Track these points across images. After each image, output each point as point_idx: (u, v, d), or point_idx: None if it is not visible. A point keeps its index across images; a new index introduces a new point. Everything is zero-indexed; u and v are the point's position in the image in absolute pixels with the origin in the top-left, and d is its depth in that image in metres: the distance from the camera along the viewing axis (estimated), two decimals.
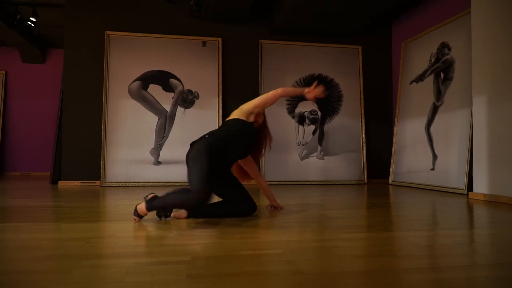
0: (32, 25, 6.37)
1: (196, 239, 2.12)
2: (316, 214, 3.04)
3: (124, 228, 2.39)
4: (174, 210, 2.70)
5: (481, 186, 4.19)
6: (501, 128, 3.96)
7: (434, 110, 5.52)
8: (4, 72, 8.49)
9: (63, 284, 1.34)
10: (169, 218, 2.69)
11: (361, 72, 6.52)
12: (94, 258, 1.70)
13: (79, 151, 5.69)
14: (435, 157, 5.39)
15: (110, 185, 5.56)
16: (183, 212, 2.72)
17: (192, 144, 2.73)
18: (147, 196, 2.61)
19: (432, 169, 5.40)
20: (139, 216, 2.59)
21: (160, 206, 2.57)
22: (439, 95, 5.46)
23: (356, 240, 2.10)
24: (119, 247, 1.90)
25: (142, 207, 2.57)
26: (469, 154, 4.70)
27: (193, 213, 2.73)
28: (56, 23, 6.91)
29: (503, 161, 3.93)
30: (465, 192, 4.62)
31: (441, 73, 5.44)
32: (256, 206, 2.85)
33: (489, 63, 4.13)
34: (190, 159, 2.61)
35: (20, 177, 7.86)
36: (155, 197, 2.58)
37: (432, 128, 5.53)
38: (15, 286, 1.33)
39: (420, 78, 5.90)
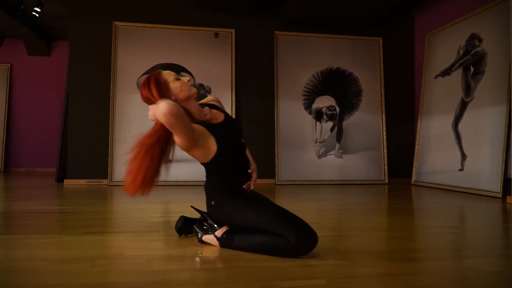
0: (37, 15, 6.07)
1: (222, 262, 1.81)
2: (336, 227, 2.72)
3: (134, 243, 2.09)
4: (205, 234, 2.10)
5: None
6: None
7: (463, 106, 5.16)
8: (9, 65, 8.21)
9: None
10: (189, 235, 2.25)
11: (381, 66, 6.16)
12: None
13: (85, 148, 5.41)
14: (464, 156, 5.03)
15: (118, 184, 5.27)
16: (215, 243, 2.04)
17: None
18: (211, 228, 2.07)
19: (461, 170, 5.05)
20: (201, 242, 2.10)
21: (241, 248, 1.95)
22: (468, 90, 5.10)
23: (406, 273, 1.78)
24: (129, 273, 1.60)
25: (210, 241, 2.05)
26: (504, 154, 4.35)
27: (224, 243, 2.01)
28: (62, 14, 6.60)
29: None
30: (500, 195, 4.28)
31: (471, 66, 5.07)
32: (315, 234, 1.85)
33: None
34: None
35: (25, 173, 7.60)
36: (228, 233, 1.99)
37: (460, 126, 5.17)
38: None
39: (446, 72, 5.54)
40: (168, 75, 2.02)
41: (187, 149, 1.98)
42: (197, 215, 2.28)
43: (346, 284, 1.48)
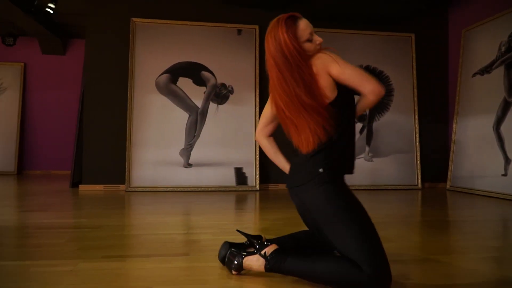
0: (51, 12, 5.81)
1: None
2: None
3: (161, 273, 1.78)
4: (247, 256, 1.76)
5: None
6: None
7: (505, 106, 4.77)
8: (23, 64, 7.99)
9: None
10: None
11: (414, 64, 5.78)
12: None
13: (101, 152, 5.13)
14: (507, 160, 4.65)
15: (136, 189, 4.99)
16: (260, 263, 1.71)
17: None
18: (259, 245, 1.73)
19: (504, 175, 4.66)
20: (239, 269, 1.76)
21: (295, 272, 1.63)
22: (511, 89, 4.71)
23: None
24: None
25: (254, 263, 1.72)
26: None
27: (274, 264, 1.67)
28: (78, 11, 6.34)
29: None
30: None
31: None
32: (390, 275, 1.52)
33: None
34: (324, 212, 1.63)
35: (39, 176, 7.38)
36: (278, 253, 1.67)
37: (502, 127, 4.78)
38: None
39: (486, 70, 5.15)
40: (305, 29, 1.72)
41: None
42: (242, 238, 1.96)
43: None
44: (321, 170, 1.62)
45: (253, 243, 1.77)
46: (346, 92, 1.69)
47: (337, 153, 1.66)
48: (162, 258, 2.01)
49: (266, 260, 1.67)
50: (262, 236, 1.91)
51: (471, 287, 1.64)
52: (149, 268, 1.85)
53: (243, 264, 1.73)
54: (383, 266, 1.49)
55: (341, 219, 1.58)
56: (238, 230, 1.98)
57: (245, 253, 1.74)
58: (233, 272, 1.75)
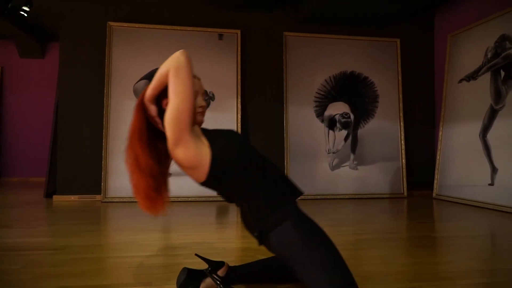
0: (25, 15, 5.58)
1: None
2: (360, 271, 2.24)
3: None
4: (202, 280, 1.76)
5: None
6: None
7: (492, 114, 4.67)
8: (0, 67, 7.74)
9: None
10: None
11: (399, 69, 5.67)
12: None
13: (76, 160, 4.93)
14: (494, 169, 4.55)
15: (113, 200, 4.80)
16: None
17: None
18: (210, 269, 1.72)
19: (491, 184, 4.56)
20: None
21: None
22: (498, 96, 4.61)
23: None
24: None
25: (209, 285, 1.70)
26: None
27: (225, 281, 1.71)
28: (56, 14, 6.13)
29: None
30: None
31: (501, 70, 4.59)
32: None
33: None
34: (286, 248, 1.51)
35: (16, 183, 7.14)
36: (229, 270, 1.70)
37: (489, 136, 4.69)
38: None
39: (472, 76, 5.05)
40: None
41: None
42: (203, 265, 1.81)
43: None
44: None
45: (215, 271, 1.64)
46: None
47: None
48: (165, 274, 1.85)
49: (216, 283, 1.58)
50: (225, 263, 1.77)
51: None
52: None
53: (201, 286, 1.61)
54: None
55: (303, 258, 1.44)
56: (197, 255, 1.84)
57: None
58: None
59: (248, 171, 1.57)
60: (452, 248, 2.69)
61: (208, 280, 1.73)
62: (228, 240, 2.95)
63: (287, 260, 1.48)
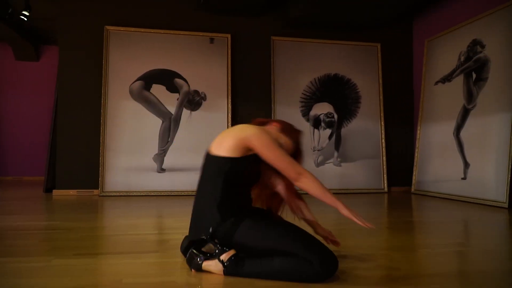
0: (25, 19, 5.84)
1: (226, 285, 1.63)
2: (341, 248, 2.55)
3: (131, 268, 1.89)
4: (206, 260, 1.83)
5: None
6: None
7: (465, 113, 5.04)
8: None
9: None
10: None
11: (380, 72, 6.03)
12: None
13: (75, 157, 5.19)
14: (466, 165, 4.91)
15: (110, 194, 5.06)
16: (219, 268, 1.80)
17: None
18: (219, 250, 1.81)
19: (464, 178, 4.92)
20: (198, 270, 1.84)
21: (253, 274, 1.75)
22: (470, 97, 4.98)
23: None
24: None
25: (212, 267, 1.80)
26: (510, 163, 4.23)
27: (232, 269, 1.78)
28: (51, 17, 6.38)
29: None
30: (506, 205, 4.15)
31: (473, 73, 4.96)
32: (336, 258, 1.73)
33: None
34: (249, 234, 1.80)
35: (11, 182, 7.34)
36: (236, 258, 1.78)
37: (462, 133, 5.05)
38: None
39: (447, 79, 5.42)
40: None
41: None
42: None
43: None
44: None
45: (213, 239, 1.87)
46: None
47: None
48: (132, 255, 2.12)
49: (223, 266, 1.77)
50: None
51: (435, 277, 1.81)
52: (120, 264, 1.96)
53: (202, 266, 1.82)
54: (328, 258, 1.67)
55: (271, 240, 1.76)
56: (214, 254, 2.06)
57: (204, 257, 1.82)
58: (193, 271, 1.85)
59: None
60: (427, 229, 3.02)
61: (208, 246, 1.96)
62: None
63: (252, 250, 1.79)
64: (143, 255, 2.14)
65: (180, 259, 2.04)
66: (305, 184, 1.91)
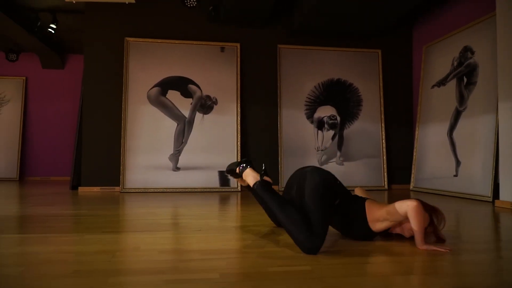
0: (53, 32, 6.42)
1: (222, 253, 2.08)
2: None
3: (148, 240, 2.36)
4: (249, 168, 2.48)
5: (507, 194, 4.08)
6: None
7: (457, 115, 5.41)
8: (24, 78, 8.60)
9: None
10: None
11: (380, 76, 6.43)
12: (120, 274, 1.67)
13: (98, 157, 5.72)
14: (458, 163, 5.27)
15: (130, 191, 5.57)
16: (254, 179, 2.41)
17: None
18: (264, 171, 2.42)
19: (455, 176, 5.29)
20: (241, 172, 2.50)
21: (268, 202, 2.25)
22: (462, 100, 5.35)
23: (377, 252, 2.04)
24: (145, 262, 1.88)
25: (250, 177, 2.43)
26: (494, 161, 4.59)
27: (261, 187, 2.34)
28: (75, 29, 6.97)
29: None
30: (491, 199, 4.51)
31: (464, 77, 5.33)
32: (317, 250, 2.05)
33: None
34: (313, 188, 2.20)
35: (39, 182, 7.93)
36: (269, 184, 2.36)
37: (454, 134, 5.42)
38: None
39: (442, 83, 5.80)
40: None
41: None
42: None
43: (328, 270, 1.74)
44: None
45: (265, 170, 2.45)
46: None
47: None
48: (150, 232, 2.60)
49: (259, 179, 2.37)
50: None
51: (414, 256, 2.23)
52: (138, 237, 2.44)
53: (245, 171, 2.47)
54: (317, 242, 2.04)
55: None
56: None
57: (250, 166, 2.48)
58: (236, 170, 2.51)
59: None
60: None
61: (244, 176, 2.50)
62: (229, 214, 3.70)
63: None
64: (158, 232, 2.61)
65: (191, 234, 2.51)
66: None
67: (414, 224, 2.17)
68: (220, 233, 2.60)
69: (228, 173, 2.61)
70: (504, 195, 4.13)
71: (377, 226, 2.32)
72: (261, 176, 2.40)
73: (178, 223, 3.04)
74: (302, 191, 2.23)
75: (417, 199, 2.26)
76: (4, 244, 2.23)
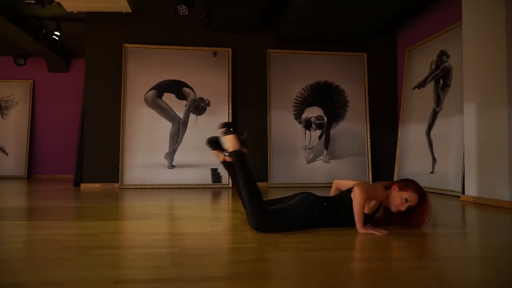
0: (57, 38, 6.86)
1: (190, 235, 2.47)
2: None
3: (131, 225, 2.76)
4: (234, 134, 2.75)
5: (471, 189, 4.42)
6: (489, 134, 4.19)
7: (434, 115, 5.75)
8: (31, 81, 9.06)
9: (73, 268, 1.71)
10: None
11: (366, 79, 6.78)
12: (101, 249, 2.07)
13: (99, 156, 6.14)
14: (434, 160, 5.62)
15: (128, 187, 5.98)
16: (234, 146, 2.72)
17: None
18: (244, 140, 2.79)
19: (432, 172, 5.63)
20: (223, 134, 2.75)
21: (240, 170, 2.60)
22: (438, 101, 5.68)
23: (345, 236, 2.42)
24: (123, 240, 2.27)
25: (231, 142, 2.71)
26: (463, 158, 4.93)
27: (237, 155, 2.67)
28: (78, 35, 7.39)
29: (490, 165, 4.16)
30: (460, 194, 4.85)
31: (440, 79, 5.67)
32: (260, 228, 2.49)
33: (478, 72, 4.36)
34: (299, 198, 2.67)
35: (46, 179, 8.38)
36: (244, 156, 2.67)
37: (432, 133, 5.76)
38: (38, 269, 1.70)
39: (421, 85, 6.13)
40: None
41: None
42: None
43: (271, 246, 2.12)
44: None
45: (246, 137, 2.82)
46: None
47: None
48: (147, 219, 3.02)
49: (242, 144, 2.71)
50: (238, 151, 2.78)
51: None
52: (135, 223, 2.85)
53: (229, 135, 2.71)
54: (266, 223, 2.47)
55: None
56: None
57: (234, 131, 2.74)
58: (222, 135, 2.77)
59: None
60: None
61: (218, 153, 2.88)
62: (221, 205, 4.09)
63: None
64: (142, 220, 3.01)
65: (168, 222, 2.90)
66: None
67: (354, 209, 2.54)
68: (195, 221, 2.99)
69: (210, 142, 2.94)
70: (468, 190, 4.47)
71: (367, 209, 2.63)
72: (242, 141, 2.76)
73: (172, 213, 3.44)
74: (292, 197, 2.71)
75: (410, 180, 2.68)
76: (9, 228, 2.65)
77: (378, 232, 2.48)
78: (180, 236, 2.41)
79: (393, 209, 2.64)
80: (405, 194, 2.59)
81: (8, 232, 2.51)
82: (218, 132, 2.86)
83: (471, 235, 2.61)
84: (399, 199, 2.60)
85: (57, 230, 2.58)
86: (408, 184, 2.64)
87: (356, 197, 2.51)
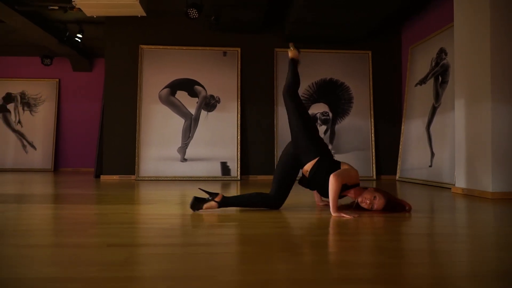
0: (79, 40, 7.36)
1: (181, 216, 2.85)
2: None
3: (135, 208, 3.16)
4: (205, 203, 2.95)
5: (461, 181, 4.66)
6: (476, 128, 4.43)
7: (433, 111, 5.97)
8: (57, 79, 9.64)
9: (80, 236, 2.11)
10: (201, 210, 2.96)
11: (370, 76, 7.03)
12: (103, 224, 2.47)
13: (117, 150, 6.60)
14: (432, 154, 5.85)
15: (143, 179, 6.42)
16: (214, 204, 2.93)
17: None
18: (211, 197, 2.94)
19: (430, 166, 5.87)
20: (197, 208, 2.95)
21: (234, 204, 3.02)
22: (437, 97, 5.91)
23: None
24: (124, 218, 2.68)
25: (211, 205, 2.93)
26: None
27: (223, 204, 2.96)
28: (99, 37, 7.88)
29: (476, 158, 4.40)
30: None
31: (439, 76, 5.89)
32: (279, 206, 3.06)
33: (467, 69, 4.59)
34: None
35: (71, 172, 8.95)
36: (225, 197, 2.96)
37: (431, 128, 5.99)
38: (52, 236, 2.11)
39: (423, 81, 6.36)
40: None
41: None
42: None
43: (251, 223, 2.47)
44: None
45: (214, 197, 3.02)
46: None
47: None
48: (161, 204, 3.44)
49: (218, 204, 2.92)
50: (220, 193, 3.06)
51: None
52: (151, 207, 3.33)
53: (203, 207, 2.96)
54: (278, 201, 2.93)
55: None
56: (200, 188, 3.26)
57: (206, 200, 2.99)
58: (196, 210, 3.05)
59: None
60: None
61: (209, 203, 3.03)
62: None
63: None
64: (169, 205, 3.42)
65: (169, 206, 3.29)
66: None
67: (329, 194, 2.87)
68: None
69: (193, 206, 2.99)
70: (458, 182, 4.71)
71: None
72: (213, 198, 3.03)
73: (184, 200, 3.84)
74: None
75: (381, 191, 3.05)
76: (31, 209, 3.08)
77: (349, 216, 2.80)
78: (172, 217, 2.80)
79: (360, 199, 3.00)
80: (378, 195, 2.95)
81: (29, 212, 2.95)
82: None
83: (429, 218, 2.90)
84: (370, 194, 2.97)
85: (70, 211, 3.01)
86: (386, 193, 3.04)
87: (332, 183, 2.84)
